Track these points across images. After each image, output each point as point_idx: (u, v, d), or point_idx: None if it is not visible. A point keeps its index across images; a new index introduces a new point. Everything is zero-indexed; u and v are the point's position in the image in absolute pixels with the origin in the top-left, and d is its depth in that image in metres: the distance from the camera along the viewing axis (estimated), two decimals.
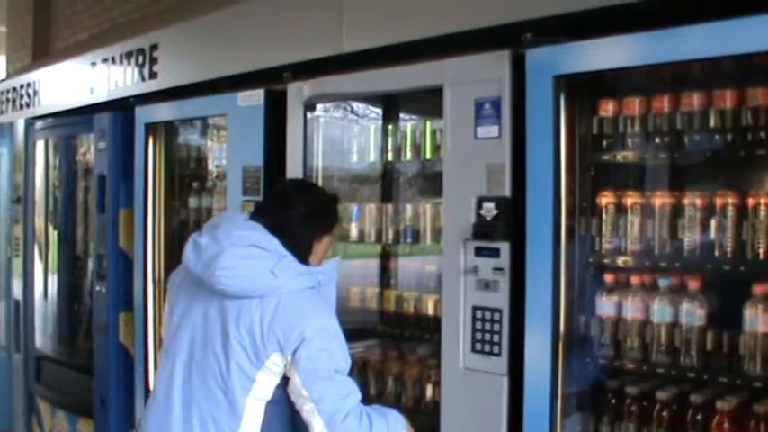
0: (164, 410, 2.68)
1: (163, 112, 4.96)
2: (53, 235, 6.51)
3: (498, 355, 3.16)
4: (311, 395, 2.54)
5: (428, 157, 3.83)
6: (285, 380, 2.61)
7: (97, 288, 5.52)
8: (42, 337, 6.55)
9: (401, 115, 4.16)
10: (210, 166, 5.11)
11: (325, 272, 2.76)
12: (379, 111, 4.27)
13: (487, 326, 3.19)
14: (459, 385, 3.29)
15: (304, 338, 2.52)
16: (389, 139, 4.06)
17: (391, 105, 4.20)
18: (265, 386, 2.60)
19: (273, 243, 2.61)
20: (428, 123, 3.81)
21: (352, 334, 4.13)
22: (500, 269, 3.16)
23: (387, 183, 4.27)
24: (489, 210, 3.17)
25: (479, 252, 3.21)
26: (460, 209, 3.28)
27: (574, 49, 2.95)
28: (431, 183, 3.95)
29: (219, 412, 2.59)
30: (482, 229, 3.19)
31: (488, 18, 3.26)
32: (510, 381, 3.14)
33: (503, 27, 3.20)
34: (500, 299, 3.16)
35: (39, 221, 6.58)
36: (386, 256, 4.25)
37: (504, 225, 3.14)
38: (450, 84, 3.33)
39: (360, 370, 4.08)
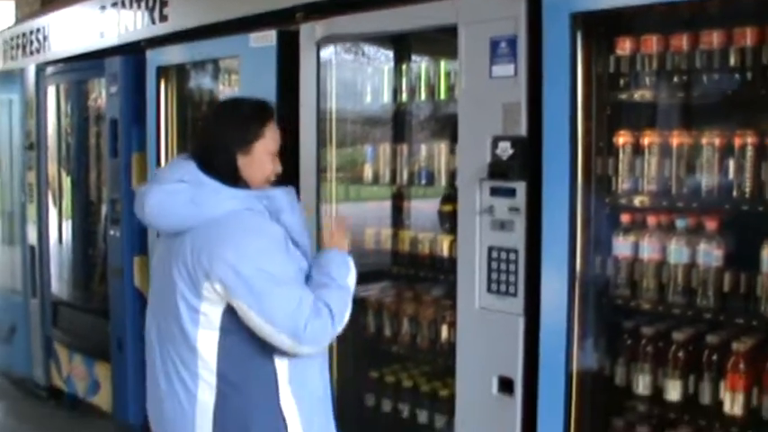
0: (151, 366, 2.72)
1: (174, 54, 4.92)
2: (66, 181, 6.50)
3: (514, 295, 3.16)
4: (264, 317, 2.49)
5: (442, 97, 3.79)
6: (231, 306, 2.55)
7: (111, 232, 5.54)
8: (58, 283, 6.58)
9: (414, 56, 4.11)
10: None
11: (270, 197, 2.64)
12: (392, 52, 4.22)
13: (503, 266, 3.19)
14: (475, 325, 3.30)
15: (228, 263, 2.47)
16: (403, 80, 4.00)
17: (404, 46, 4.15)
18: (211, 316, 2.55)
19: (195, 173, 2.61)
20: (442, 63, 3.77)
21: (366, 276, 4.18)
22: (516, 209, 3.14)
23: (400, 124, 4.24)
24: (505, 149, 3.15)
25: (495, 192, 3.20)
26: (476, 149, 3.25)
27: None
28: (444, 124, 3.92)
29: (182, 350, 2.59)
30: (498, 169, 3.17)
31: None
32: (526, 320, 3.15)
33: None
34: (516, 239, 3.15)
35: (52, 168, 6.57)
36: (400, 198, 4.24)
37: (520, 165, 3.12)
38: (464, 22, 3.28)
39: (375, 311, 4.10)
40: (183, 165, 2.68)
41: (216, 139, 2.67)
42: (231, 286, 2.47)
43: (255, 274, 2.47)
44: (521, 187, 3.13)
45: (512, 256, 3.16)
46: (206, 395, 2.59)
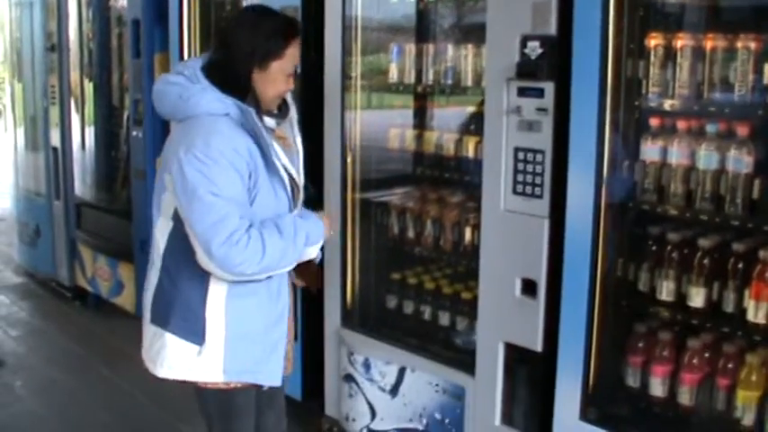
0: None
1: None
2: (89, 87, 6.46)
3: (540, 197, 3.14)
4: (189, 220, 2.54)
5: None
6: None
7: (134, 133, 5.55)
8: (81, 185, 6.61)
9: None
10: None
11: (247, 112, 2.61)
12: None
13: (529, 167, 3.16)
14: (500, 227, 3.29)
15: (178, 158, 2.53)
16: None
17: None
18: (167, 204, 2.66)
19: (195, 71, 2.66)
20: None
21: (390, 178, 4.17)
22: (544, 110, 3.09)
23: (426, 25, 4.16)
24: (534, 48, 3.09)
25: (522, 92, 3.14)
26: (504, 48, 3.19)
27: None
28: (471, 24, 3.85)
29: (153, 233, 2.79)
30: (526, 69, 3.11)
31: None
32: (551, 223, 3.14)
33: None
34: (543, 140, 3.11)
35: (74, 75, 6.51)
36: (425, 99, 4.18)
37: (548, 64, 3.06)
38: None
39: (399, 213, 4.10)
40: (192, 60, 2.78)
41: (233, 48, 2.67)
42: (174, 180, 2.55)
43: (194, 176, 2.49)
44: (549, 87, 3.08)
45: (538, 158, 3.13)
46: (154, 277, 2.78)
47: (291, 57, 2.71)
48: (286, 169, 2.75)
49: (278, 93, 2.75)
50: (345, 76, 3.94)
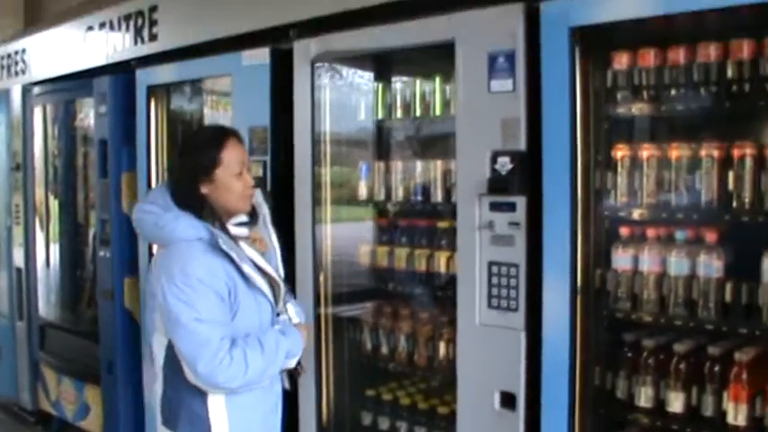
0: None
1: (165, 73, 4.90)
2: (54, 204, 6.45)
3: (515, 310, 3.16)
4: (173, 340, 2.67)
5: (437, 113, 3.80)
6: None
7: (101, 253, 5.49)
8: (45, 305, 6.53)
9: (407, 73, 4.09)
10: None
11: (215, 234, 2.70)
12: (385, 69, 4.21)
13: (504, 281, 3.19)
14: (476, 341, 3.29)
15: (161, 286, 2.64)
16: (397, 97, 4.01)
17: (398, 63, 4.15)
18: (159, 323, 2.76)
19: (165, 198, 2.78)
20: (436, 79, 3.78)
21: (362, 293, 4.17)
22: (516, 224, 3.14)
23: (394, 141, 4.25)
24: (504, 164, 3.15)
25: (495, 207, 3.19)
26: (474, 164, 3.25)
27: (590, 1, 2.92)
28: (440, 140, 3.93)
29: (151, 346, 2.89)
30: (497, 184, 3.17)
31: None
32: (527, 336, 3.14)
33: None
34: (517, 254, 3.15)
35: (39, 191, 6.51)
36: (395, 215, 4.22)
37: (519, 179, 3.13)
38: (461, 38, 3.29)
39: (371, 329, 4.09)
40: (162, 187, 2.91)
41: (178, 172, 2.86)
42: (160, 306, 2.68)
43: (176, 304, 2.61)
44: (521, 202, 3.13)
45: (512, 271, 3.16)
46: (158, 387, 2.87)
47: (232, 158, 2.78)
48: (265, 272, 2.81)
49: (239, 195, 2.82)
50: (315, 188, 3.98)
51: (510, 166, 3.14)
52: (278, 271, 2.96)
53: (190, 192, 2.76)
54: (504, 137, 3.16)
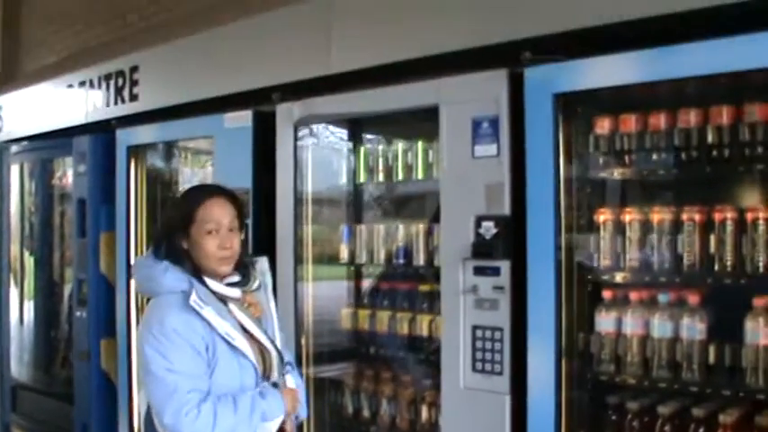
0: None
1: (146, 134, 4.91)
2: (29, 261, 6.39)
3: (500, 373, 3.16)
4: (146, 389, 2.69)
5: (420, 177, 3.83)
6: None
7: (77, 314, 5.43)
8: (18, 365, 6.43)
9: (391, 136, 4.14)
10: None
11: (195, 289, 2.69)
12: (369, 133, 4.26)
13: (488, 345, 3.19)
14: (460, 405, 3.28)
15: (142, 335, 2.69)
16: (380, 161, 4.05)
17: (382, 126, 4.19)
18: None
19: (158, 252, 2.83)
20: (419, 143, 3.82)
21: (343, 356, 4.15)
22: (500, 288, 3.16)
23: (377, 204, 4.26)
24: (488, 228, 3.17)
25: (479, 271, 3.21)
26: (458, 228, 3.28)
27: (573, 68, 2.98)
28: (423, 203, 3.96)
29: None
30: (482, 248, 3.20)
31: (485, 37, 3.26)
32: (512, 399, 3.13)
33: (498, 46, 3.21)
34: (501, 317, 3.16)
35: (14, 247, 6.47)
36: (377, 277, 4.22)
37: (504, 243, 3.15)
38: (446, 103, 3.34)
39: (353, 392, 4.06)
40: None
41: (161, 228, 2.95)
42: (139, 356, 2.71)
43: (150, 353, 2.63)
44: (505, 266, 3.15)
45: (497, 335, 3.17)
46: None
47: (206, 216, 2.76)
48: (254, 338, 2.77)
49: (211, 254, 2.76)
50: (296, 248, 3.99)
51: (494, 231, 3.17)
52: (273, 340, 2.89)
53: (170, 244, 2.79)
54: (489, 201, 3.19)
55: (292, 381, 2.91)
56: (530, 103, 3.06)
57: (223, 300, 2.76)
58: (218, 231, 2.76)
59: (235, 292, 2.82)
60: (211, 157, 4.87)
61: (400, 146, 3.94)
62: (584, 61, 2.94)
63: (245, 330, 2.75)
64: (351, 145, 4.28)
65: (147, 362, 2.63)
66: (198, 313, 2.65)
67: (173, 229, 2.80)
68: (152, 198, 5.11)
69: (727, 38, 2.64)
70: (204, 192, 2.87)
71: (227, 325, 2.69)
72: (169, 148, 5.22)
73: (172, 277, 2.73)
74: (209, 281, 2.76)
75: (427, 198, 3.88)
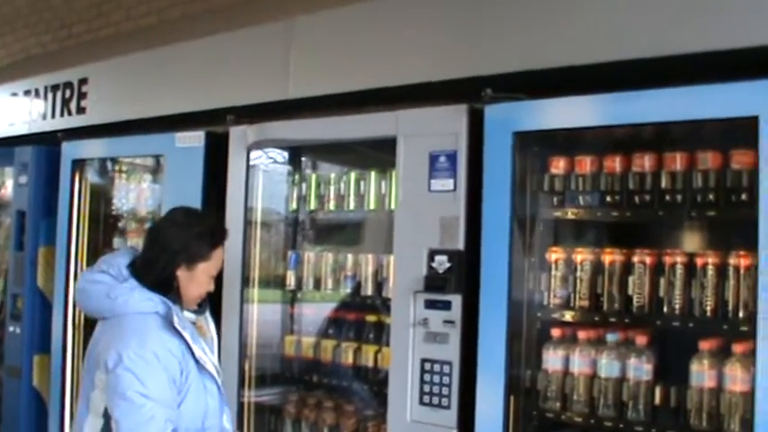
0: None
1: (93, 148, 4.82)
2: None
3: (448, 407, 3.15)
4: (113, 414, 2.56)
5: (371, 207, 3.82)
6: None
7: (10, 329, 5.28)
8: None
9: (344, 165, 4.13)
10: (140, 207, 4.96)
11: (174, 311, 2.67)
12: (324, 160, 4.26)
13: (436, 378, 3.18)
14: None
15: (112, 358, 2.56)
16: (331, 189, 4.02)
17: (337, 154, 4.18)
18: (97, 402, 2.65)
19: (120, 269, 2.73)
20: (372, 174, 3.82)
21: (285, 384, 4.09)
22: (451, 322, 3.15)
23: (325, 231, 4.24)
24: (442, 262, 3.18)
25: (430, 305, 3.21)
26: (411, 260, 3.27)
27: (533, 107, 3.00)
28: (374, 233, 3.95)
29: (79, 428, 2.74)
30: (434, 282, 3.19)
31: (446, 71, 3.28)
32: None
33: (459, 81, 3.23)
34: (450, 351, 3.16)
35: None
36: (325, 306, 4.18)
37: (456, 278, 3.15)
38: (404, 135, 3.34)
39: (293, 421, 4.01)
40: (116, 257, 2.82)
41: (162, 246, 2.76)
42: (108, 379, 2.57)
43: (126, 376, 2.53)
44: (456, 300, 3.16)
45: (446, 369, 3.16)
46: None
47: (217, 259, 2.81)
48: (208, 357, 2.77)
49: (200, 293, 2.83)
50: (244, 272, 3.96)
51: (447, 265, 3.17)
52: (216, 360, 2.91)
53: (165, 268, 2.72)
54: (443, 235, 3.19)
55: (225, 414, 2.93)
56: (489, 139, 3.08)
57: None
58: (215, 276, 2.83)
59: (192, 317, 2.85)
60: (147, 174, 4.81)
61: (353, 175, 3.92)
62: (544, 101, 2.98)
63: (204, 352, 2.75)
64: (302, 171, 4.24)
65: (121, 384, 2.53)
66: (176, 335, 2.62)
67: (181, 258, 2.73)
68: (95, 214, 5.02)
69: (684, 87, 2.69)
70: (222, 233, 2.89)
71: (199, 348, 2.70)
72: (106, 163, 5.11)
73: (142, 297, 2.67)
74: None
75: (378, 229, 3.86)
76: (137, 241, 4.64)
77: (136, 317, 2.64)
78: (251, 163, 3.94)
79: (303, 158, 4.26)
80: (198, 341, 2.72)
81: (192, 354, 2.67)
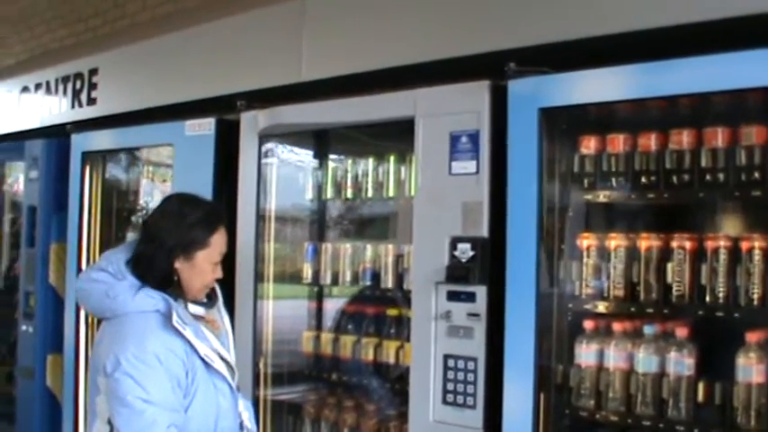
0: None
1: (102, 140, 4.67)
2: None
3: (473, 407, 2.96)
4: (114, 422, 2.46)
5: (390, 194, 3.63)
6: None
7: (23, 327, 5.18)
8: None
9: (361, 151, 3.90)
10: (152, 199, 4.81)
11: (175, 308, 2.53)
12: (332, 147, 4.06)
13: (461, 375, 3.00)
14: None
15: (111, 361, 2.44)
16: (348, 177, 3.82)
17: (344, 141, 3.99)
18: (102, 406, 2.53)
19: (119, 267, 2.59)
20: (391, 159, 3.61)
21: (304, 382, 3.92)
22: (476, 315, 2.96)
23: (344, 222, 4.05)
24: (465, 251, 2.98)
25: (453, 296, 3.02)
26: (432, 249, 3.08)
27: (561, 81, 2.80)
28: (394, 222, 3.75)
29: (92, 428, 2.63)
30: (456, 272, 3.00)
31: (467, 47, 3.09)
32: None
33: (480, 56, 3.03)
34: (475, 347, 2.97)
35: None
36: (342, 300, 4.00)
37: (480, 267, 2.96)
38: (422, 115, 3.15)
39: (312, 420, 3.84)
40: (116, 253, 2.67)
41: (156, 239, 2.61)
42: (107, 383, 2.46)
43: (125, 381, 2.41)
44: (481, 291, 2.97)
45: (470, 365, 2.98)
46: None
47: (218, 245, 2.65)
48: (220, 356, 2.62)
49: (205, 283, 2.67)
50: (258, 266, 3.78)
51: (471, 254, 2.98)
52: (231, 354, 2.76)
53: (162, 263, 2.58)
54: (465, 222, 3.00)
55: (246, 412, 2.80)
56: (513, 117, 2.88)
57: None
58: (219, 263, 2.66)
59: (201, 311, 2.69)
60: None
61: (370, 161, 3.72)
62: (572, 74, 2.77)
63: (214, 351, 2.60)
64: (318, 159, 4.05)
65: (121, 389, 2.41)
66: (179, 335, 2.48)
67: (178, 249, 2.58)
68: (107, 208, 4.89)
69: (726, 53, 2.47)
70: (218, 216, 2.71)
71: (205, 346, 2.54)
72: (130, 158, 4.98)
73: (142, 295, 2.54)
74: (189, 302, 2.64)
75: (398, 217, 3.68)
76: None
77: (136, 316, 2.51)
78: (263, 150, 3.75)
79: (318, 145, 4.07)
80: (204, 338, 2.57)
81: (197, 352, 2.51)
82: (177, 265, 2.59)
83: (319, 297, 4.12)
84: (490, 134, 2.97)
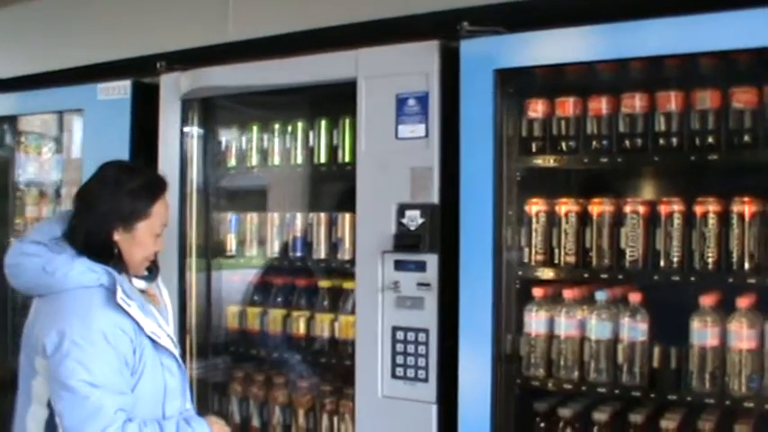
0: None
1: (1, 104, 4.32)
2: None
3: (425, 380, 2.88)
4: (55, 406, 2.31)
5: (322, 160, 3.45)
6: None
7: None
8: None
9: (298, 113, 3.67)
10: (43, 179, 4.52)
11: (119, 282, 2.38)
12: (259, 112, 3.82)
13: (411, 348, 2.90)
14: (378, 416, 2.98)
15: (52, 342, 2.29)
16: (275, 141, 3.61)
17: (274, 106, 3.74)
18: (39, 389, 2.39)
19: (54, 239, 2.44)
20: (322, 123, 3.44)
21: (230, 359, 3.74)
22: (426, 284, 2.86)
23: (272, 191, 3.85)
24: (413, 218, 2.87)
25: (401, 266, 2.92)
26: (377, 217, 2.96)
27: (519, 41, 2.71)
28: (330, 188, 3.59)
29: (21, 423, 2.47)
30: (405, 241, 2.89)
31: (414, 5, 2.96)
32: (440, 410, 2.85)
33: (428, 15, 2.91)
34: (426, 318, 2.88)
35: None
36: (270, 272, 3.81)
37: (431, 235, 2.86)
38: (366, 76, 3.01)
39: (240, 398, 3.67)
40: (50, 224, 2.54)
41: (93, 209, 2.45)
42: (48, 364, 2.30)
43: (68, 363, 2.26)
44: (432, 260, 2.86)
45: (421, 337, 2.88)
46: None
47: (159, 215, 2.51)
48: (164, 330, 2.47)
49: (146, 255, 2.53)
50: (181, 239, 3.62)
51: (420, 221, 2.86)
52: (172, 328, 2.63)
53: (100, 235, 2.41)
54: (414, 188, 2.89)
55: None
56: (466, 79, 2.77)
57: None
58: (161, 234, 2.54)
59: (142, 285, 2.54)
60: (50, 144, 4.38)
61: (300, 126, 3.53)
62: (531, 34, 2.68)
63: (159, 326, 2.45)
64: (243, 126, 3.84)
65: (64, 371, 2.24)
66: (123, 313, 2.30)
67: (117, 219, 2.42)
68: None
69: (686, 16, 2.45)
70: (161, 186, 2.54)
71: (151, 322, 2.38)
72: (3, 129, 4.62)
73: (84, 269, 2.35)
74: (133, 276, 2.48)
75: (331, 183, 3.52)
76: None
77: (78, 292, 2.33)
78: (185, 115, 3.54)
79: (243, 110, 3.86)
80: (149, 313, 2.41)
81: (143, 330, 2.35)
82: (117, 236, 2.42)
83: (245, 269, 3.89)
84: (440, 96, 2.86)
